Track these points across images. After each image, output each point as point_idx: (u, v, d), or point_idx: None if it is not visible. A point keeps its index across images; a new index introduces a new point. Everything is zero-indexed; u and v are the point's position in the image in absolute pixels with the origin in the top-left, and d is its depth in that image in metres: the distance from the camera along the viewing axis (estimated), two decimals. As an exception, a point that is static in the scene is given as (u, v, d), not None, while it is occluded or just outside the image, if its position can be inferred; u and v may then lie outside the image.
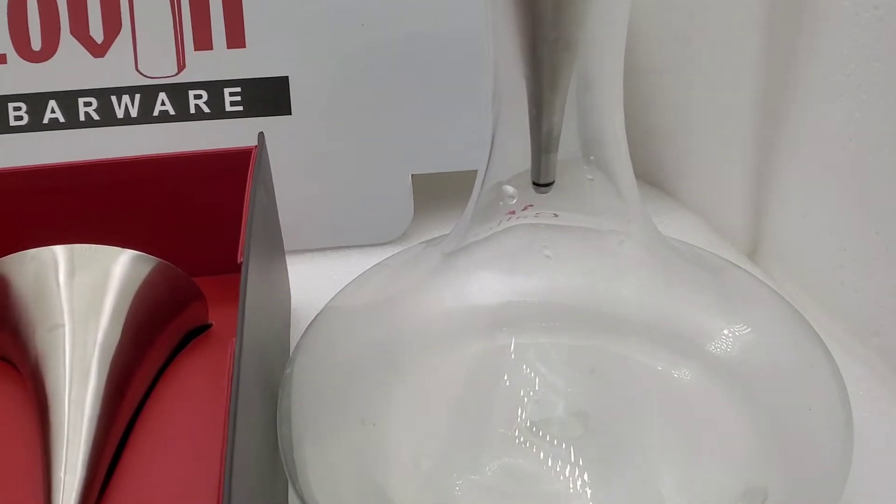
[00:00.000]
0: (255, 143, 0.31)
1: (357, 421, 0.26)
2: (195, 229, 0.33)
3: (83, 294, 0.29)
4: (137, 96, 0.38)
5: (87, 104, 0.38)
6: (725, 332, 0.26)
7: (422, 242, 0.33)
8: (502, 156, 0.25)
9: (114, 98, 0.38)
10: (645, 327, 0.25)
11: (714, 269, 0.28)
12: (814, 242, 0.34)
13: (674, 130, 0.41)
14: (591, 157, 0.25)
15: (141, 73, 0.38)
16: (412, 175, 0.39)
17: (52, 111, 0.38)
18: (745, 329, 0.26)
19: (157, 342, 0.30)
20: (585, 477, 0.23)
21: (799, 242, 0.35)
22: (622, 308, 0.25)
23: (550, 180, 0.24)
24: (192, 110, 0.38)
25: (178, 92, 0.38)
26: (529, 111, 0.23)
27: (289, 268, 0.36)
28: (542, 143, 0.23)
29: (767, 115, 0.35)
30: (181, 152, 0.32)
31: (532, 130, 0.23)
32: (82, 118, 0.38)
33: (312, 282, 0.37)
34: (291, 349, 0.30)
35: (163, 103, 0.38)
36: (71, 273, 0.30)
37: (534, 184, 0.24)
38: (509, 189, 0.24)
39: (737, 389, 0.25)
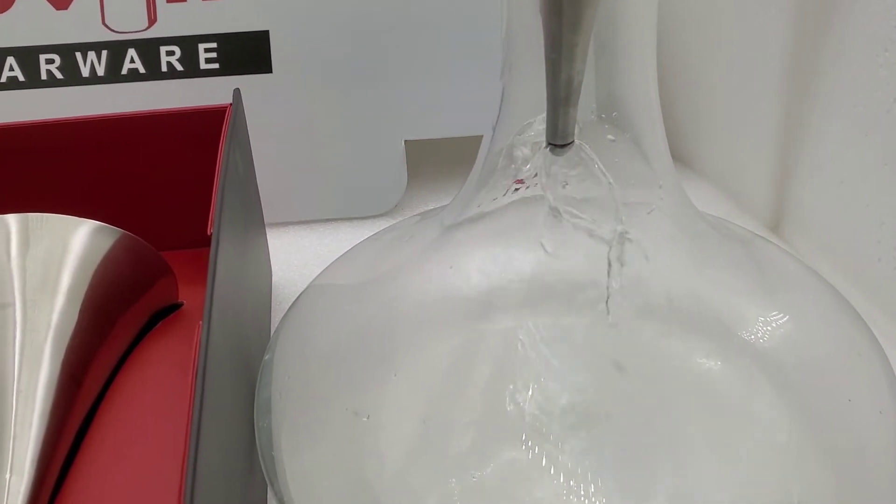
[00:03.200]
0: (230, 102, 0.28)
1: (347, 413, 0.23)
2: (163, 198, 0.30)
3: (36, 269, 0.26)
4: (104, 53, 0.35)
5: (49, 61, 0.35)
6: (767, 316, 0.23)
7: (416, 215, 0.30)
8: (514, 113, 0.22)
9: (78, 55, 0.35)
10: (675, 311, 0.22)
11: (749, 245, 0.25)
12: (847, 215, 0.31)
13: (689, 89, 0.38)
14: (614, 114, 0.22)
15: (108, 28, 0.35)
16: (406, 141, 0.37)
17: (11, 69, 0.35)
18: (787, 314, 0.23)
19: (119, 324, 0.27)
20: (599, 483, 0.20)
21: (829, 215, 0.32)
22: (648, 289, 0.22)
23: (569, 139, 0.21)
24: (164, 68, 0.35)
25: (148, 48, 0.35)
26: (547, 56, 0.19)
27: (270, 242, 0.33)
28: (561, 94, 0.20)
29: (798, 72, 0.32)
30: (146, 111, 0.29)
31: (549, 80, 0.20)
32: (44, 77, 0.35)
33: (296, 258, 0.34)
34: (272, 332, 0.27)
35: (132, 61, 0.35)
36: (24, 245, 0.26)
37: (549, 144, 0.21)
38: (524, 151, 0.21)
39: (779, 382, 0.22)
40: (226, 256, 0.22)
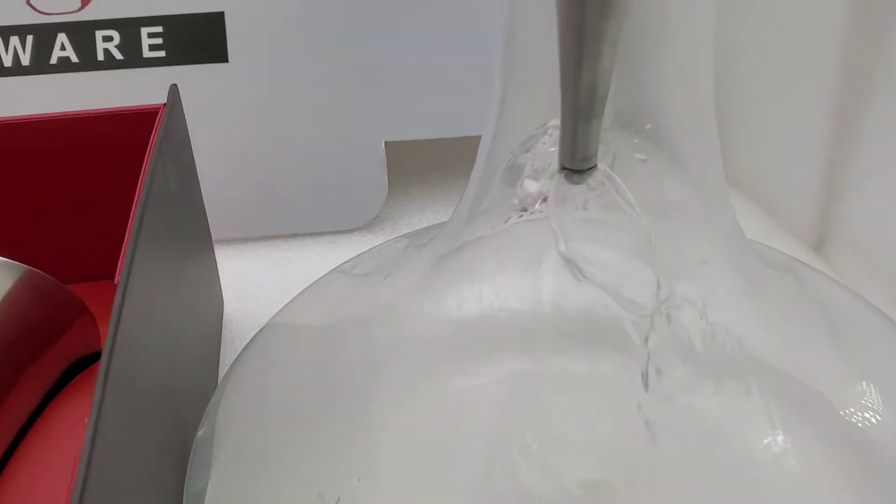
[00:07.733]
0: (165, 101, 0.23)
1: (311, 496, 0.18)
2: (78, 222, 0.25)
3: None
4: (29, 38, 0.31)
5: (-33, 48, 0.31)
6: (846, 388, 0.18)
7: (402, 236, 0.25)
8: (516, 126, 0.17)
9: None
10: (720, 369, 0.17)
11: (802, 281, 0.21)
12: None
13: (720, 83, 0.33)
14: (648, 127, 0.17)
15: (34, 9, 0.31)
16: (385, 143, 0.32)
17: (-79, 56, 0.31)
18: (867, 382, 0.18)
19: (24, 379, 0.22)
20: None
21: (883, 232, 0.29)
22: (687, 337, 0.17)
23: (590, 164, 0.16)
24: (101, 56, 0.31)
25: (82, 32, 0.31)
26: (565, 55, 0.14)
27: (224, 263, 0.28)
28: (581, 103, 0.15)
29: (854, 67, 0.28)
30: (52, 114, 0.24)
31: (566, 85, 0.15)
32: (-41, 65, 0.31)
33: (254, 283, 0.29)
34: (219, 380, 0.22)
35: (63, 47, 0.31)
36: None
37: (564, 169, 0.16)
38: (531, 186, 0.16)
39: (854, 468, 0.17)
40: (140, 296, 0.17)
